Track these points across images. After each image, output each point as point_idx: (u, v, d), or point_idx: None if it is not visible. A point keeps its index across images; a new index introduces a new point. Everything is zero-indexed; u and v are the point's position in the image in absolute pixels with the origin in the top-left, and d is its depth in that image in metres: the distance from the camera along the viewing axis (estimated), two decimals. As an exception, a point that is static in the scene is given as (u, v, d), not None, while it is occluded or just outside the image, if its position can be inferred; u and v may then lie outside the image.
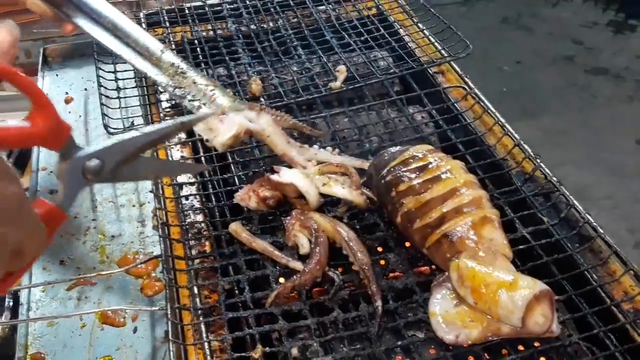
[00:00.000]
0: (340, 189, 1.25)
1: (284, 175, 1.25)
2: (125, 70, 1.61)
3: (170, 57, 1.35)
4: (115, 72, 1.61)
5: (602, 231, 1.22)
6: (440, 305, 1.07)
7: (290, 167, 1.30)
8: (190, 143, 1.47)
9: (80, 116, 1.72)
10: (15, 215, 0.65)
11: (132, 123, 1.51)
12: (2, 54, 0.73)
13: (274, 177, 1.25)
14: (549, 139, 4.09)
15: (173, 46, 1.76)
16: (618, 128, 4.28)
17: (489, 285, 1.02)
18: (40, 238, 0.72)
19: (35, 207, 0.73)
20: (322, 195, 1.26)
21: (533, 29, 5.39)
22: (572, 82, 4.79)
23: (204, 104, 1.33)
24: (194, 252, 1.23)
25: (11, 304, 1.24)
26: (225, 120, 1.27)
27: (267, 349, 1.05)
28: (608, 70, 4.90)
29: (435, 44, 1.75)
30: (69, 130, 0.79)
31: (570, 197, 1.28)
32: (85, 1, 1.30)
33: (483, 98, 1.55)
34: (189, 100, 1.34)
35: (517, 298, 0.99)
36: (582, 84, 4.77)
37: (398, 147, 1.29)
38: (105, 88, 1.55)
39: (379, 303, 1.10)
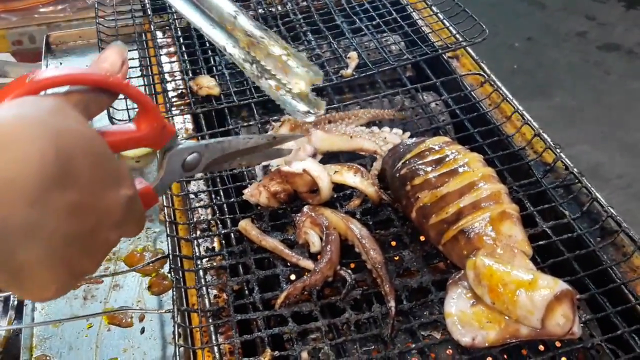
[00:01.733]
0: (352, 177, 1.22)
1: (295, 165, 1.22)
2: (130, 59, 1.56)
3: (243, 22, 1.28)
4: (119, 60, 1.57)
5: (626, 225, 1.17)
6: (456, 306, 1.03)
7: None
8: (199, 137, 1.43)
9: (84, 106, 1.67)
10: (124, 218, 0.68)
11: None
12: (116, 72, 0.77)
13: (285, 168, 1.21)
14: (562, 117, 4.03)
15: (179, 33, 1.72)
16: (632, 105, 4.21)
17: (507, 285, 0.98)
18: (139, 228, 0.75)
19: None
20: (333, 190, 1.23)
21: (544, 4, 5.28)
22: (584, 59, 4.70)
23: (278, 83, 1.28)
24: (202, 250, 1.20)
25: (16, 303, 1.21)
26: (292, 165, 1.24)
27: (277, 353, 1.01)
28: (621, 46, 4.81)
29: (450, 28, 1.69)
30: (173, 133, 0.84)
31: (592, 189, 1.23)
32: None
33: (500, 85, 1.50)
34: (266, 79, 1.29)
35: (537, 298, 0.95)
36: (595, 60, 4.68)
37: (414, 139, 1.25)
38: (110, 78, 1.51)
39: (392, 303, 1.06)
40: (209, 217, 1.26)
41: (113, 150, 0.71)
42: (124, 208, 0.68)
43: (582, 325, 1.01)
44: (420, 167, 1.15)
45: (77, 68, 0.72)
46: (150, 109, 0.79)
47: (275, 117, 1.45)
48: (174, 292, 1.08)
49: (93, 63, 0.77)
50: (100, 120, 1.61)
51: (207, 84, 1.51)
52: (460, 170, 1.12)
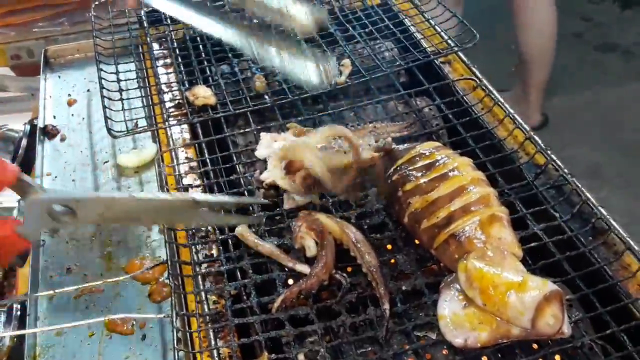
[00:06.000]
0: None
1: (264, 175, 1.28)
2: (128, 71, 1.61)
3: None
4: (117, 72, 1.60)
5: (616, 225, 1.19)
6: (449, 308, 1.06)
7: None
8: (195, 145, 1.46)
9: (83, 118, 1.69)
10: None
11: (136, 124, 1.51)
12: None
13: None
14: (560, 118, 4.04)
15: (175, 44, 1.75)
16: (630, 105, 4.21)
17: (498, 287, 1.00)
18: None
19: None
20: (330, 196, 1.28)
21: (541, 6, 5.30)
22: (581, 60, 4.71)
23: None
24: (200, 256, 1.22)
25: (19, 313, 1.23)
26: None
27: (274, 356, 1.04)
28: (618, 46, 4.82)
29: (442, 33, 1.72)
30: (14, 173, 0.83)
31: (583, 189, 1.25)
32: None
33: (492, 89, 1.52)
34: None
35: (527, 299, 0.97)
36: (592, 61, 4.69)
37: (405, 145, 1.27)
38: (108, 90, 1.55)
39: (386, 306, 1.09)
40: (207, 223, 1.28)
41: None
42: None
43: (572, 324, 1.03)
44: (411, 172, 1.18)
45: None
46: None
47: (272, 124, 1.48)
48: (173, 298, 1.10)
49: None
50: (99, 131, 1.65)
51: (204, 94, 1.54)
52: (450, 174, 1.15)
